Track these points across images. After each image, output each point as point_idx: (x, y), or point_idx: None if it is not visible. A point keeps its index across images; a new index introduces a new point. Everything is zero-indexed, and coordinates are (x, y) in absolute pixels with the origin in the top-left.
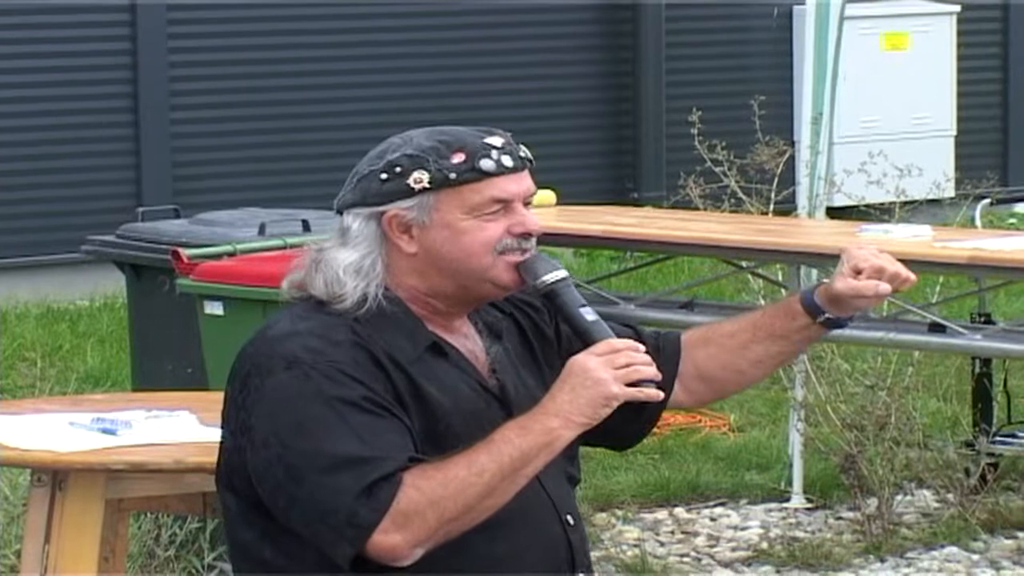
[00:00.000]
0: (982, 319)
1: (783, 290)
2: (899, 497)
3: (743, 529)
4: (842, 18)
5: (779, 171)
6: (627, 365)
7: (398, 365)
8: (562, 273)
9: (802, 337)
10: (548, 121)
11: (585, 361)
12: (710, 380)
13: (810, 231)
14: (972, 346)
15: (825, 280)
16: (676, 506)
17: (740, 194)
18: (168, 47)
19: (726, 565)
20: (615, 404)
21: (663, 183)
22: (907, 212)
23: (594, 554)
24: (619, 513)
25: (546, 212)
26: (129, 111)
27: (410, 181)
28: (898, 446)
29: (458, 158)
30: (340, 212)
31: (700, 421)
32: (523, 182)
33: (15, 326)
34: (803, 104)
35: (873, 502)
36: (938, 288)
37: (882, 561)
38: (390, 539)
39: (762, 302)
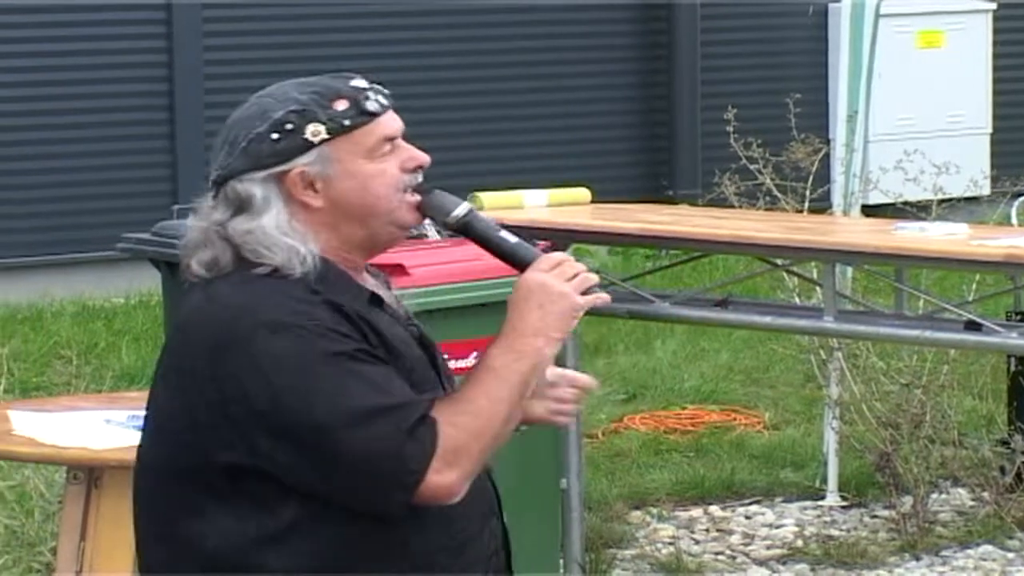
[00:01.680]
0: (1018, 317)
1: (818, 288)
2: (934, 495)
3: (778, 527)
4: (877, 16)
5: (814, 169)
6: (576, 275)
7: (362, 318)
8: (467, 204)
9: None
10: (583, 119)
11: (540, 278)
12: None
13: (845, 229)
14: (1008, 344)
15: None
16: (711, 504)
17: (775, 192)
18: (204, 45)
19: (761, 563)
20: (580, 313)
21: (698, 181)
22: (943, 210)
23: (628, 552)
24: (654, 511)
25: (580, 210)
26: (165, 109)
27: (307, 135)
28: (933, 444)
29: (342, 105)
30: (224, 183)
31: (735, 419)
32: (398, 119)
33: (51, 324)
34: (838, 102)
35: (908, 500)
36: (974, 286)
37: (917, 559)
38: (445, 477)
39: (797, 300)
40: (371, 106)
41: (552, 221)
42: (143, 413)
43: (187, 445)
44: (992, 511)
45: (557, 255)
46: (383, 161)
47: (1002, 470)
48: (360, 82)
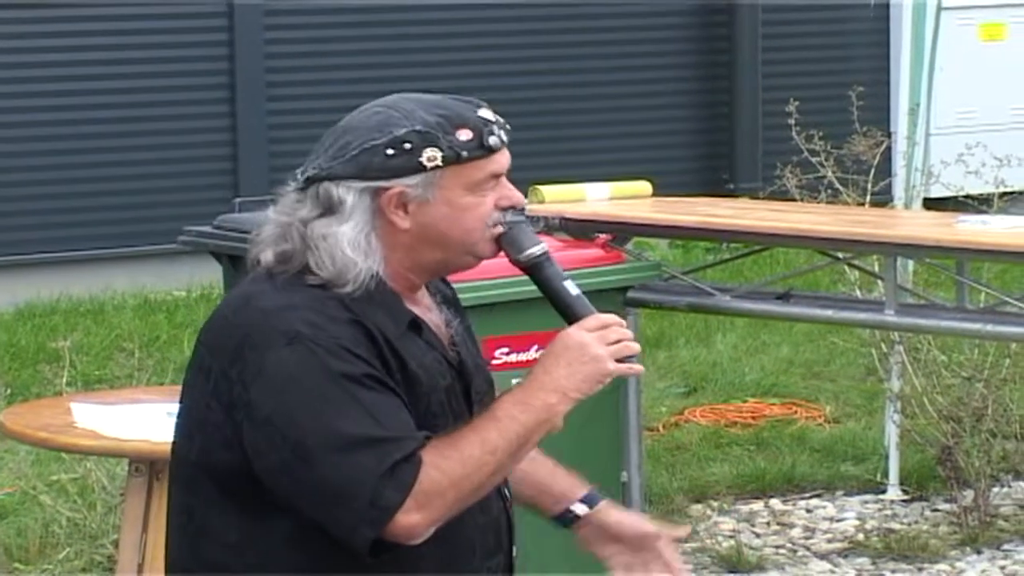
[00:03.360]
0: None
1: (879, 281)
2: (996, 489)
3: (839, 521)
4: (939, 9)
5: (876, 162)
6: (618, 341)
7: (388, 343)
8: (544, 245)
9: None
10: (644, 112)
11: (580, 337)
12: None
13: (907, 222)
14: None
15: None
16: (772, 497)
17: (836, 185)
18: (264, 39)
19: (822, 557)
20: (608, 380)
21: (759, 174)
22: (1005, 203)
23: (689, 545)
24: (714, 504)
25: (641, 203)
26: (226, 102)
27: (423, 159)
28: (995, 438)
29: (465, 135)
30: (319, 181)
31: (796, 413)
32: (507, 156)
33: (112, 317)
34: (900, 95)
35: (969, 494)
36: None
37: (978, 553)
38: (410, 518)
39: (858, 293)
40: (492, 141)
41: (614, 214)
42: None
43: (196, 439)
44: None
45: (610, 318)
46: (483, 196)
47: None
48: (487, 113)
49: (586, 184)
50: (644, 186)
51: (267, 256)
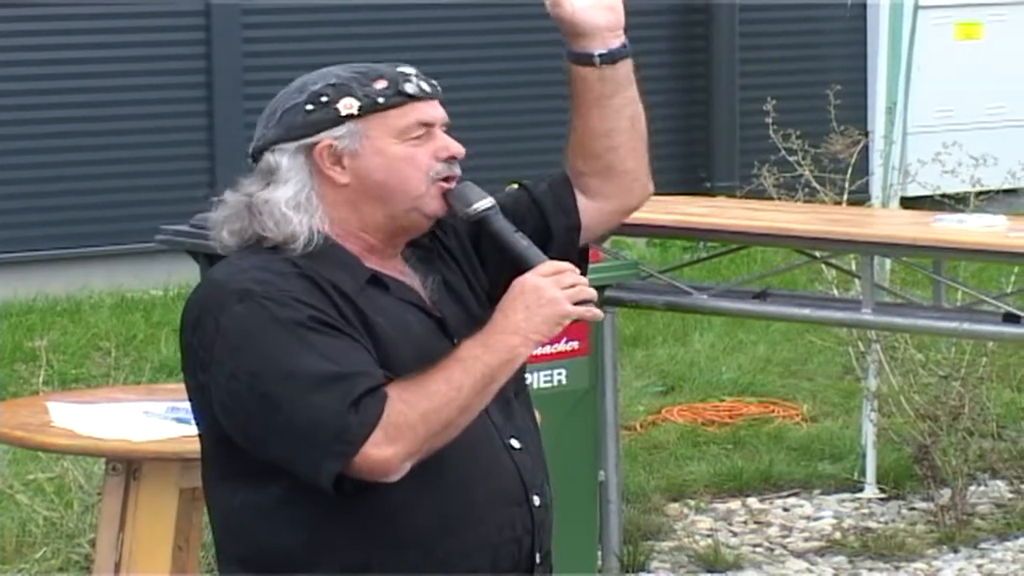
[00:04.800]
0: None
1: (856, 280)
2: (973, 488)
3: (816, 519)
4: (916, 7)
5: (853, 161)
6: (573, 285)
7: (344, 295)
8: (491, 200)
9: (590, 86)
10: None
11: (536, 281)
12: (599, 173)
13: (884, 221)
14: None
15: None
16: (749, 496)
17: (814, 184)
18: (242, 37)
19: (799, 555)
20: (567, 322)
21: (736, 172)
22: (982, 202)
23: (666, 544)
24: (692, 503)
25: None
26: (203, 101)
27: (339, 107)
28: (972, 436)
29: (381, 84)
30: (258, 154)
31: (773, 411)
32: (440, 109)
33: (89, 316)
34: (877, 94)
35: (947, 493)
36: (1012, 278)
37: (955, 552)
38: (382, 452)
39: (835, 292)
40: (409, 88)
41: None
42: (182, 405)
43: (201, 420)
44: None
45: (563, 264)
46: (415, 145)
47: None
48: (407, 68)
49: None
50: None
51: (223, 235)
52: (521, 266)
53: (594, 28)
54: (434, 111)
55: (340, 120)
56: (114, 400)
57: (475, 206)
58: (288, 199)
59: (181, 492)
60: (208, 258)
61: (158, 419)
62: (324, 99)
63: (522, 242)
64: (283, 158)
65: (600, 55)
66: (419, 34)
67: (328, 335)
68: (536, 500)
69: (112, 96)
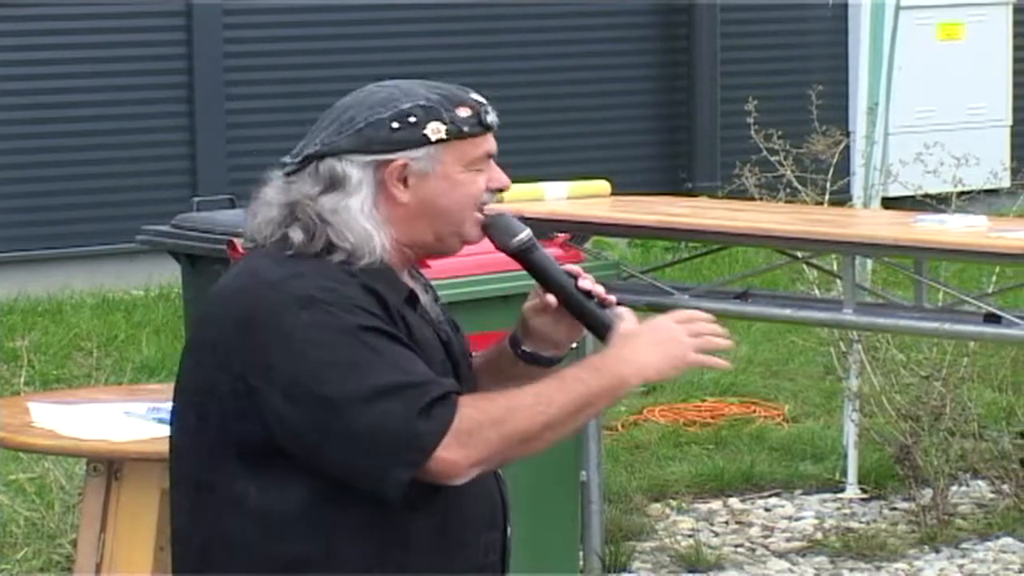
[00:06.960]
0: None
1: (838, 280)
2: (954, 488)
3: (797, 519)
4: (898, 8)
5: (835, 161)
6: (702, 334)
7: (394, 307)
8: (530, 231)
9: (519, 371)
10: (602, 111)
11: (669, 322)
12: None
13: (865, 221)
14: None
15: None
16: (730, 496)
17: (795, 184)
18: (223, 37)
19: (780, 555)
20: (685, 368)
21: (717, 173)
22: (963, 202)
23: (648, 544)
24: (673, 503)
25: (600, 202)
26: (185, 101)
27: (427, 131)
28: (953, 436)
29: (465, 112)
30: (320, 158)
31: (754, 412)
32: (494, 140)
33: (71, 316)
34: (859, 94)
35: (928, 493)
36: (994, 278)
37: (937, 552)
38: (452, 454)
39: (817, 292)
40: (490, 120)
41: (572, 213)
42: (163, 405)
43: (212, 415)
44: (1012, 503)
45: (698, 313)
46: (476, 174)
47: (1022, 462)
48: (478, 96)
49: (544, 183)
50: (603, 185)
51: (258, 225)
52: (563, 298)
53: (558, 340)
54: (494, 143)
55: (424, 143)
56: (95, 400)
57: (519, 237)
58: (360, 208)
59: (163, 492)
60: (190, 258)
61: (139, 419)
62: (412, 120)
63: (563, 271)
64: (353, 169)
65: (549, 358)
66: (404, 34)
67: (394, 343)
68: (508, 528)
69: (93, 96)
